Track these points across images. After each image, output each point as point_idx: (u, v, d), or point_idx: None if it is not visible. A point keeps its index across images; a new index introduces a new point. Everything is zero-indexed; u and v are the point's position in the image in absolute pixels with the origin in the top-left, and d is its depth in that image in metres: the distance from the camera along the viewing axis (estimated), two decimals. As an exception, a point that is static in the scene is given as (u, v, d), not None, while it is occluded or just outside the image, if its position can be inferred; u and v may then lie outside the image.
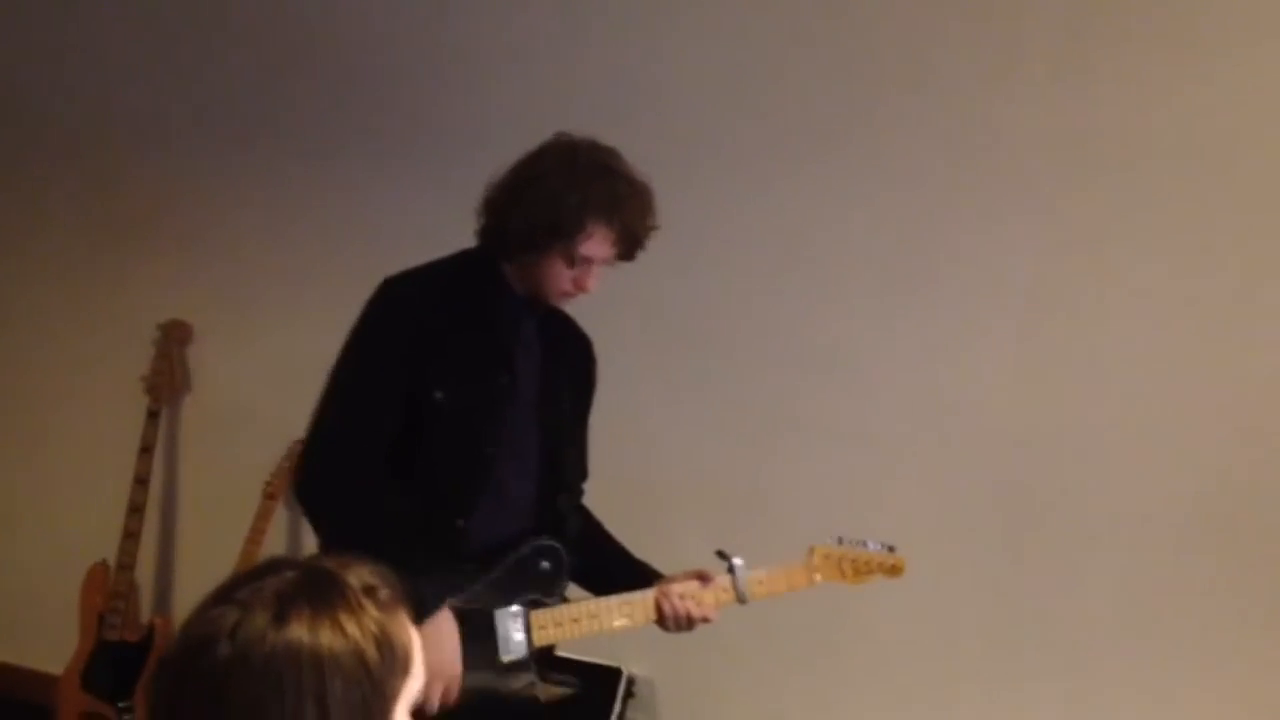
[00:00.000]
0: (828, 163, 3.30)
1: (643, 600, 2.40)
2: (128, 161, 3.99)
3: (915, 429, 3.29)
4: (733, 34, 3.36)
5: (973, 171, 3.18)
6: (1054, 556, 3.20)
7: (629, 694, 3.48)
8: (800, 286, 3.36)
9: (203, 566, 3.77)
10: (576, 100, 3.36)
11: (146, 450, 3.78)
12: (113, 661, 3.72)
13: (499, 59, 3.55)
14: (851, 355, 3.33)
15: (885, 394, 3.31)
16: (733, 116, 3.38)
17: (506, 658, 2.32)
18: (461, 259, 2.41)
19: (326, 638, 1.17)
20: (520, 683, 2.35)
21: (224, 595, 1.20)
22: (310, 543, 2.55)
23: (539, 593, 2.37)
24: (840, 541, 2.51)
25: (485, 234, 2.37)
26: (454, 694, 2.24)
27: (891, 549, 2.54)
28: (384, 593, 1.24)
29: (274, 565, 1.24)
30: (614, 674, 3.45)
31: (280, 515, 3.74)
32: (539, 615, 2.35)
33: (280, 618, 1.17)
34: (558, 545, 2.39)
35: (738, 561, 2.43)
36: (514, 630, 2.33)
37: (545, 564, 2.38)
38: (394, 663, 1.21)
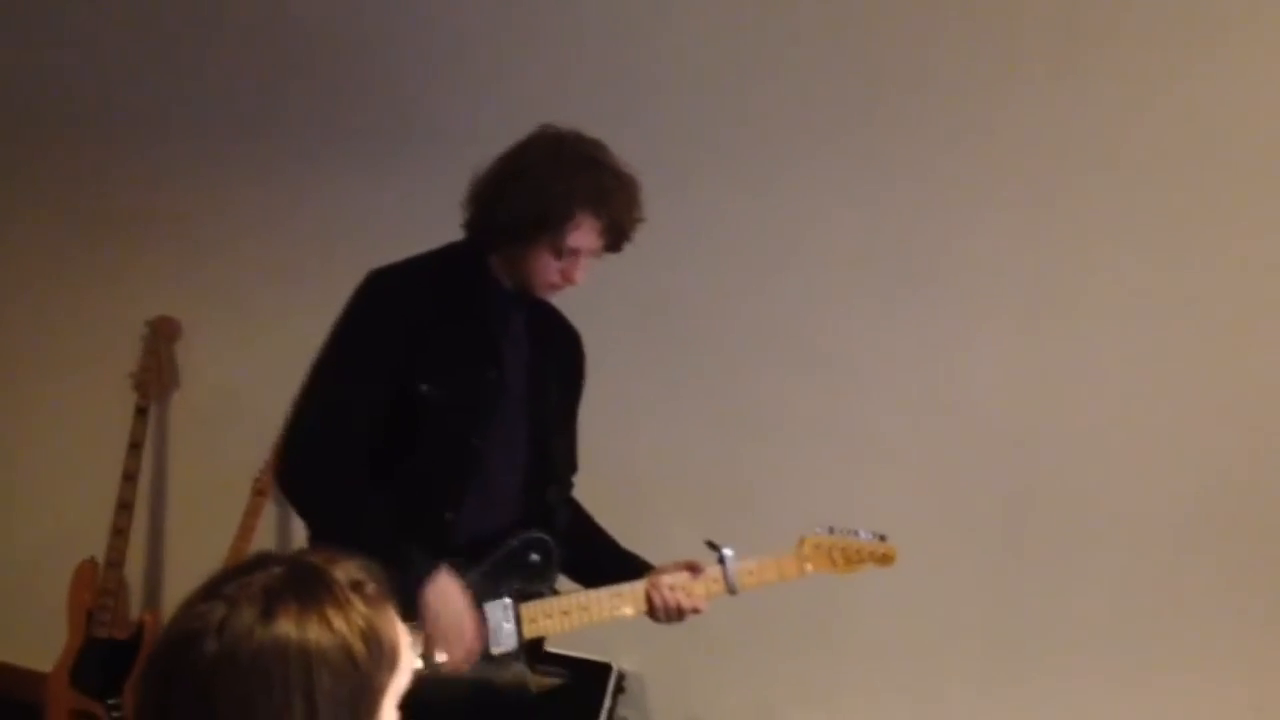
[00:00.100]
0: (821, 159, 3.30)
1: (632, 592, 2.40)
2: (117, 158, 3.98)
3: (907, 424, 3.29)
4: (727, 29, 3.36)
5: (969, 169, 3.18)
6: (1049, 552, 3.20)
7: (619, 689, 3.47)
8: (792, 282, 3.36)
9: (192, 563, 3.75)
10: (569, 96, 3.36)
11: (135, 447, 3.77)
12: (102, 659, 3.71)
13: (492, 56, 3.55)
14: (844, 351, 3.33)
15: (878, 390, 3.31)
16: (725, 111, 3.37)
17: (496, 650, 2.33)
18: (448, 252, 2.41)
19: (314, 633, 1.17)
20: (509, 677, 2.35)
21: (211, 591, 1.20)
22: (299, 539, 2.55)
23: (529, 585, 2.37)
24: (831, 531, 2.51)
25: (471, 226, 2.37)
26: (478, 650, 2.25)
27: (883, 538, 2.54)
28: (371, 588, 1.24)
29: (261, 561, 1.24)
30: (604, 669, 3.45)
31: (269, 512, 3.74)
32: (529, 607, 2.36)
33: (267, 613, 1.17)
34: (547, 538, 2.40)
35: (728, 552, 2.43)
36: (504, 622, 2.33)
37: (535, 556, 2.38)
38: (381, 657, 1.21)
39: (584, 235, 2.29)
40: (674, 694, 3.56)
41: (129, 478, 3.76)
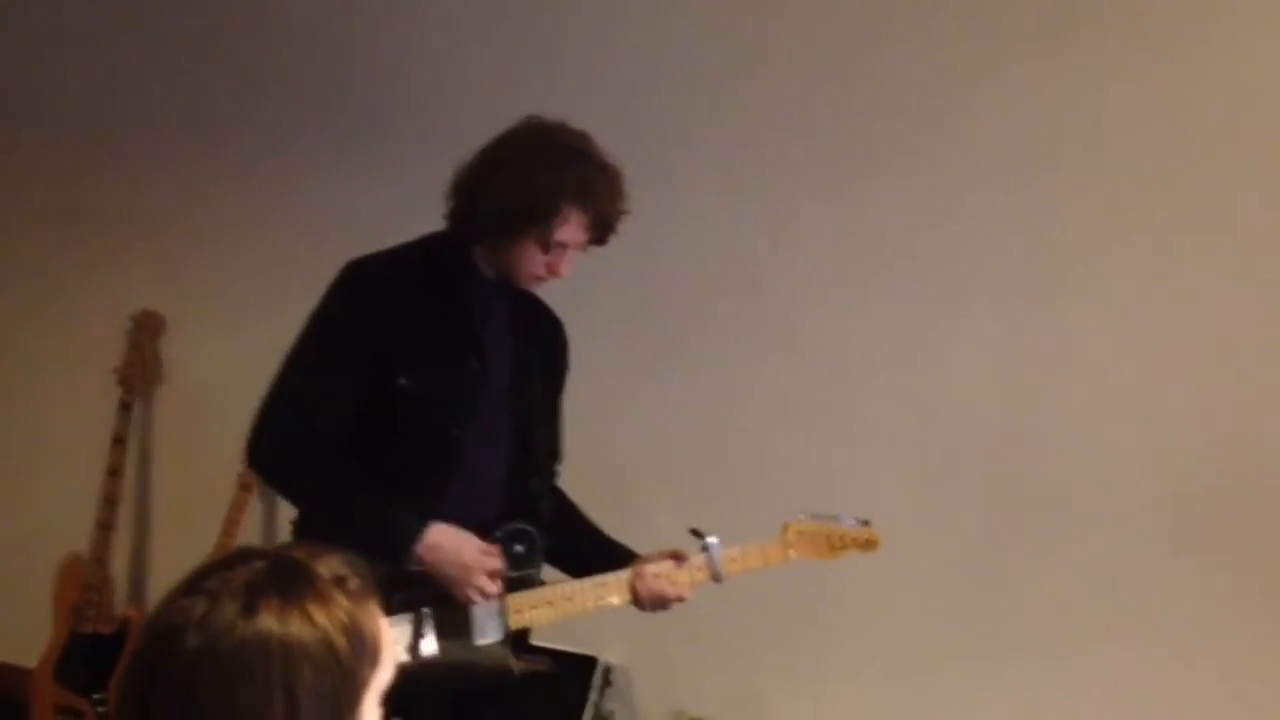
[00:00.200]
0: (803, 150, 3.31)
1: (617, 581, 2.40)
2: (100, 153, 3.97)
3: (891, 412, 3.30)
4: (711, 22, 3.36)
5: (951, 159, 3.19)
6: (1032, 539, 3.22)
7: (605, 683, 3.47)
8: (775, 272, 3.37)
9: (177, 558, 3.73)
10: (553, 91, 3.33)
11: (119, 442, 3.77)
12: (87, 654, 3.70)
13: (476, 51, 3.54)
14: (827, 340, 3.34)
15: (862, 379, 3.32)
16: (707, 103, 3.38)
17: (481, 641, 2.33)
18: (429, 242, 2.40)
19: (295, 627, 1.16)
20: (494, 664, 2.34)
21: (193, 585, 1.20)
22: (285, 534, 2.55)
23: (514, 576, 2.36)
24: (815, 517, 2.51)
25: (455, 218, 2.35)
26: (495, 579, 2.28)
27: (866, 523, 2.54)
28: (354, 582, 1.24)
29: (243, 555, 1.24)
30: (590, 663, 3.45)
31: (255, 507, 3.73)
32: (514, 599, 2.35)
33: (249, 608, 1.16)
34: (531, 528, 2.40)
35: (712, 540, 2.44)
36: (489, 614, 2.33)
37: (519, 547, 2.38)
38: (363, 652, 1.21)
39: (571, 230, 2.28)
40: (660, 686, 3.56)
41: (113, 473, 3.75)
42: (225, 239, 3.87)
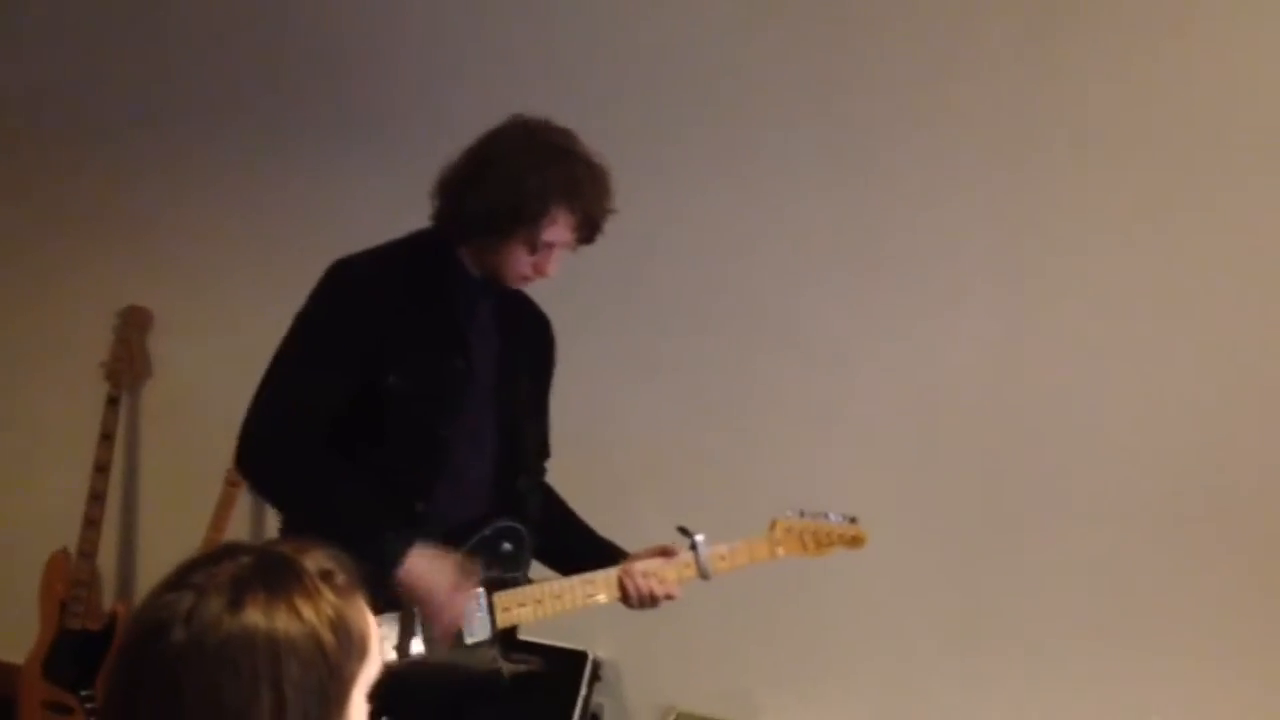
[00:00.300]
0: (792, 143, 3.31)
1: (605, 579, 2.40)
2: (87, 148, 3.95)
3: (881, 408, 3.31)
4: (702, 17, 3.36)
5: (947, 153, 3.20)
6: (1023, 535, 3.23)
7: (595, 678, 3.48)
8: (765, 267, 3.37)
9: (165, 554, 3.70)
10: (543, 87, 3.33)
11: (107, 437, 3.76)
12: (75, 650, 3.69)
13: (463, 46, 3.54)
14: (818, 335, 3.34)
15: (852, 374, 3.32)
16: (696, 96, 3.37)
17: (470, 639, 2.32)
18: (415, 241, 2.39)
19: (282, 622, 1.16)
20: (483, 665, 2.35)
21: (178, 580, 1.19)
22: (273, 530, 2.54)
23: (502, 574, 2.36)
24: (802, 514, 2.52)
25: (440, 218, 2.35)
26: (460, 616, 2.25)
27: (853, 520, 2.55)
28: (341, 577, 1.24)
29: (229, 550, 1.23)
30: (579, 657, 3.45)
31: (243, 502, 3.72)
32: (502, 596, 2.35)
33: (235, 602, 1.16)
34: (519, 526, 2.39)
35: (699, 537, 2.44)
36: (476, 612, 2.33)
37: (507, 545, 2.38)
38: (350, 647, 1.20)
39: (559, 230, 2.28)
40: (649, 681, 3.56)
41: (101, 468, 3.74)
42: (213, 235, 3.86)
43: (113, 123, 3.90)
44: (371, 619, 1.26)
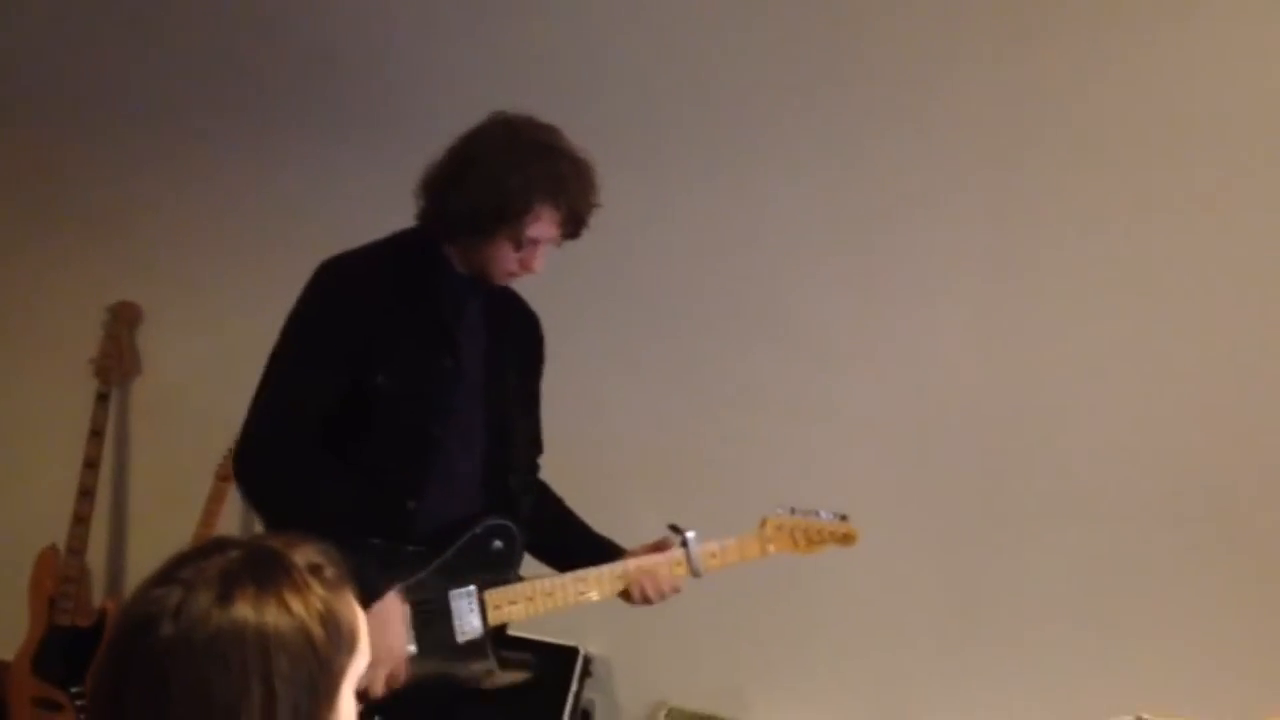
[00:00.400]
0: (783, 137, 3.31)
1: (597, 577, 2.40)
2: (76, 143, 3.94)
3: (872, 403, 3.31)
4: (690, 11, 3.35)
5: (936, 146, 3.20)
6: (1014, 530, 3.23)
7: (586, 673, 3.47)
8: (756, 261, 3.37)
9: (155, 550, 3.69)
10: (530, 82, 3.34)
11: (96, 433, 3.74)
12: (64, 647, 3.68)
13: (453, 40, 3.53)
14: (809, 330, 3.34)
15: (843, 369, 3.33)
16: (683, 91, 3.37)
17: (462, 638, 2.32)
18: (401, 240, 2.39)
19: (272, 616, 1.16)
20: (476, 667, 2.34)
21: (167, 575, 1.19)
22: (263, 526, 2.53)
23: (493, 572, 2.36)
24: (793, 511, 2.52)
25: (425, 216, 2.35)
26: (400, 678, 2.22)
27: (844, 517, 2.55)
28: (330, 571, 1.24)
29: (218, 544, 1.23)
30: (571, 653, 3.45)
31: (233, 498, 3.70)
32: (493, 594, 2.35)
33: (225, 597, 1.16)
34: (510, 524, 2.39)
35: (691, 535, 2.44)
36: (468, 610, 2.32)
37: (498, 543, 2.37)
38: (340, 641, 1.20)
39: (543, 226, 2.27)
40: (641, 677, 3.56)
41: (90, 464, 3.73)
42: (202, 230, 3.85)
43: (101, 119, 3.89)
44: (361, 613, 1.25)
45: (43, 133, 3.97)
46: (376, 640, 2.13)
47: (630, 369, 3.48)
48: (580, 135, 2.34)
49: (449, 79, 3.50)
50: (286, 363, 2.29)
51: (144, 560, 3.97)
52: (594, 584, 2.40)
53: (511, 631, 2.51)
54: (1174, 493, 3.09)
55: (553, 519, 2.55)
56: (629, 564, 2.41)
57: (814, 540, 2.53)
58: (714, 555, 2.46)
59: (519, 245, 2.28)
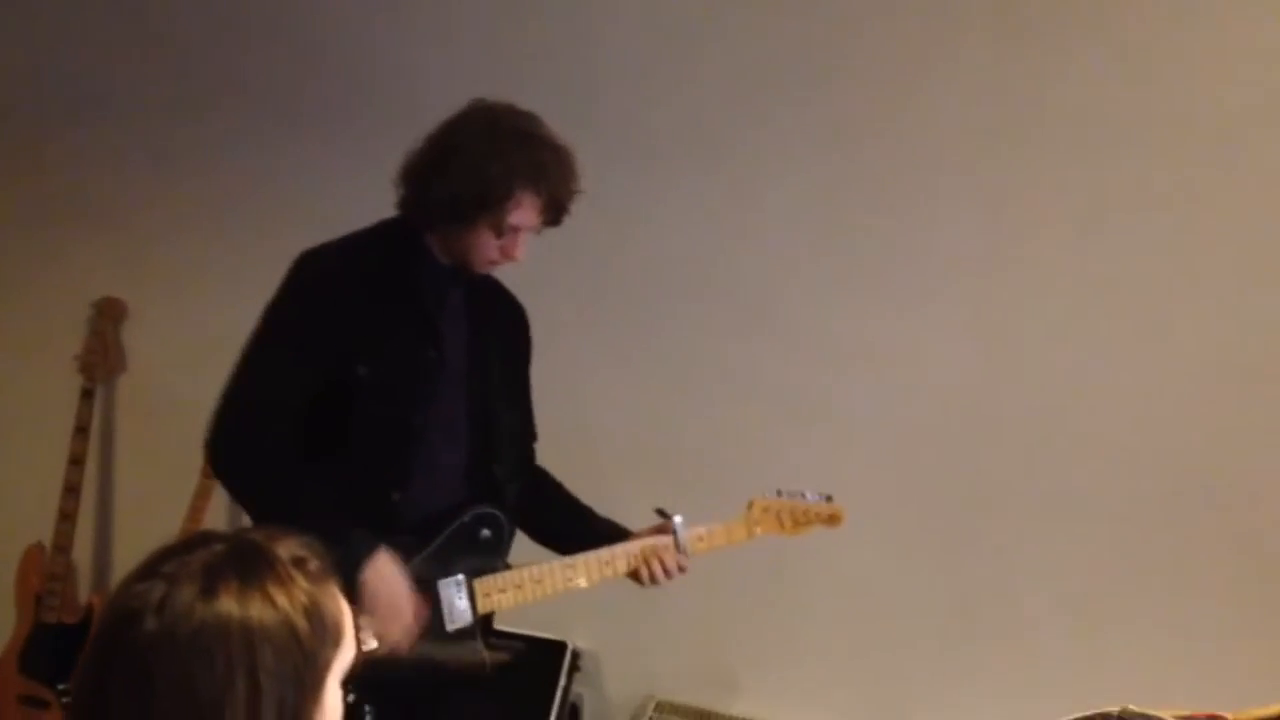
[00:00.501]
0: (775, 128, 3.31)
1: (585, 563, 2.40)
2: (61, 138, 3.93)
3: (860, 390, 3.31)
4: (673, 5, 3.35)
5: (930, 143, 3.19)
6: (1003, 516, 3.23)
7: (574, 668, 3.47)
8: (746, 251, 3.37)
9: (140, 546, 3.68)
10: (516, 74, 3.32)
11: (81, 430, 3.73)
12: (51, 643, 3.67)
13: (436, 37, 3.52)
14: (796, 318, 3.34)
15: (831, 357, 3.32)
16: (675, 79, 3.37)
17: (452, 627, 2.32)
18: (381, 230, 2.39)
19: (256, 609, 1.15)
20: (465, 656, 2.34)
21: (150, 569, 1.19)
22: (249, 522, 2.53)
23: (481, 560, 2.36)
24: (779, 494, 2.53)
25: (406, 205, 2.34)
26: (414, 631, 2.22)
27: (829, 498, 2.56)
28: (313, 564, 1.23)
29: (201, 539, 1.23)
30: (558, 648, 3.44)
31: (219, 494, 3.70)
32: (482, 582, 2.35)
33: (208, 590, 1.15)
34: (498, 512, 2.39)
35: (678, 519, 2.45)
36: (457, 599, 2.33)
37: (486, 531, 2.37)
38: (325, 634, 1.20)
39: (524, 213, 2.27)
40: (629, 670, 3.56)
41: (75, 461, 3.72)
42: (186, 226, 3.84)
43: (87, 117, 3.87)
44: (345, 605, 1.25)
45: (27, 129, 3.95)
46: (382, 597, 2.16)
47: (623, 364, 3.48)
48: (573, 131, 2.34)
49: (439, 77, 3.48)
50: (263, 354, 2.29)
51: (130, 557, 3.90)
52: (582, 570, 2.40)
53: (499, 627, 2.51)
54: (1172, 492, 3.09)
55: (554, 504, 2.57)
56: (615, 549, 2.41)
57: (800, 521, 2.54)
58: (701, 538, 2.46)
59: (500, 233, 2.28)
